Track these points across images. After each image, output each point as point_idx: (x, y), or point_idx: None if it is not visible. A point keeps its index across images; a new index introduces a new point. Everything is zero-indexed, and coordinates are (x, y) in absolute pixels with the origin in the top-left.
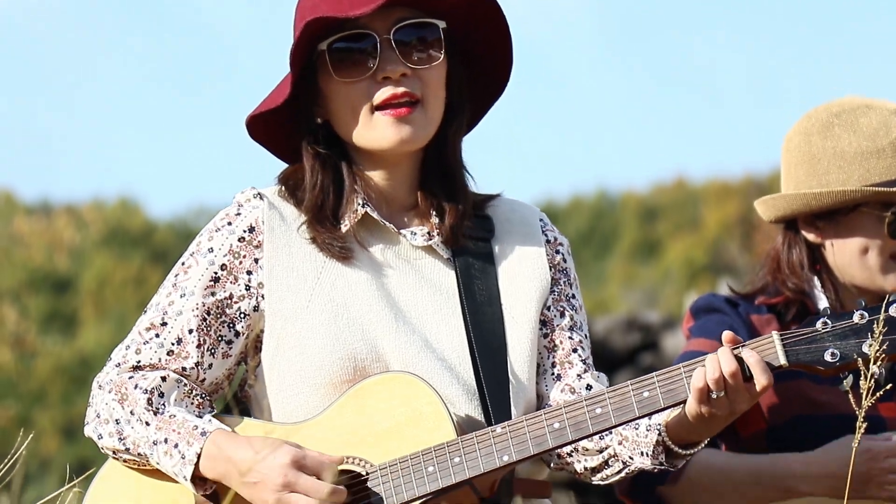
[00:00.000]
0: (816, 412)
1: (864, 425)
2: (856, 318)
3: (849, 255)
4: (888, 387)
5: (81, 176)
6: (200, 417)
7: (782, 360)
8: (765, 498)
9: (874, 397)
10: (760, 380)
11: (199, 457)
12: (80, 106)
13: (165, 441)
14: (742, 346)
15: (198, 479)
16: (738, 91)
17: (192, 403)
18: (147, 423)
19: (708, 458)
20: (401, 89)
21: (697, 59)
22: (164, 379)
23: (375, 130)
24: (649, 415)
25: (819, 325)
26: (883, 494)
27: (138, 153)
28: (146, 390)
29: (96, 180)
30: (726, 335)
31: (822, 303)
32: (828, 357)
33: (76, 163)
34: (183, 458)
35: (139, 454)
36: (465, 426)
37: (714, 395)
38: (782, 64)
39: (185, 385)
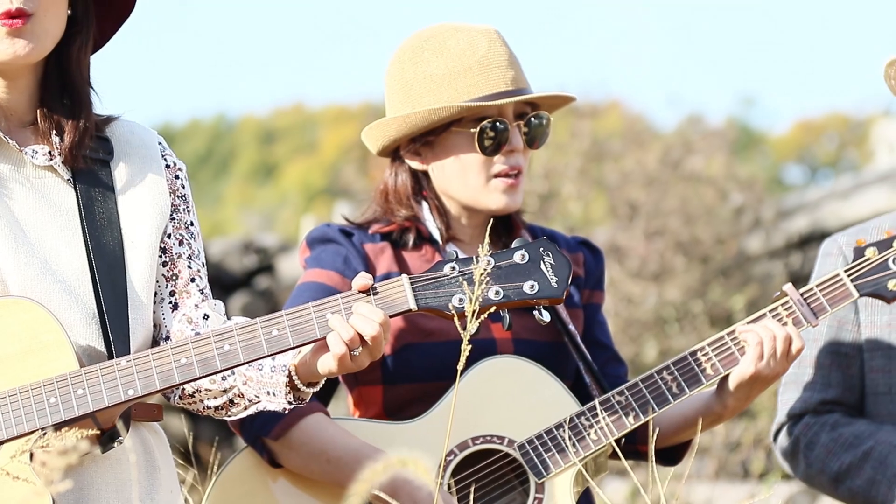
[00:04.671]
0: (427, 339)
1: (469, 348)
2: (482, 263)
3: (450, 177)
4: (492, 308)
5: None
6: None
7: (412, 305)
8: (349, 480)
9: (478, 319)
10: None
11: None
12: None
13: None
14: (374, 288)
15: None
16: (357, 20)
17: None
18: None
19: (319, 426)
20: (15, 5)
21: None
22: None
23: None
24: (279, 353)
25: (447, 269)
26: None
27: None
28: None
29: None
30: (357, 283)
31: (433, 228)
32: (455, 302)
33: None
34: None
35: None
36: (84, 356)
37: (356, 353)
38: None
39: None
